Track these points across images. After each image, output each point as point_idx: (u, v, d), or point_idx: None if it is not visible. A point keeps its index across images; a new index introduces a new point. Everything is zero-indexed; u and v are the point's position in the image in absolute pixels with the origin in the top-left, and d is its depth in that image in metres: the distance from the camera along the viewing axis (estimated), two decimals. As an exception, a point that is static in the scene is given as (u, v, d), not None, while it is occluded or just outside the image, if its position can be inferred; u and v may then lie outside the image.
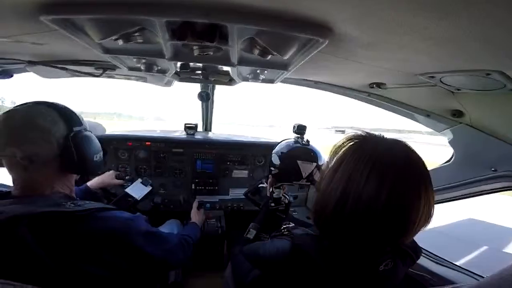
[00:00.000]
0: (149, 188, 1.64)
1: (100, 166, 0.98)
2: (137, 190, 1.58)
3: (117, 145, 1.92)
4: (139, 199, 1.55)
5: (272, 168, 1.45)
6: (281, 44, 0.70)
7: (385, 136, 0.72)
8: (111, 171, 1.63)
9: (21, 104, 0.84)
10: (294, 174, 1.38)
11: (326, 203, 0.69)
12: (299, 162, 1.36)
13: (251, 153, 2.10)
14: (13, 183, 0.83)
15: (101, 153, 0.97)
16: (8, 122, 0.80)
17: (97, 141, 0.96)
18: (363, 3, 0.50)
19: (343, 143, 0.73)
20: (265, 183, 1.63)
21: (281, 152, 1.44)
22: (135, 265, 0.90)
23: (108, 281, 0.83)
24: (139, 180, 1.65)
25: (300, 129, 1.41)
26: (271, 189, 1.49)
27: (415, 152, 0.69)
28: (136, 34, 0.70)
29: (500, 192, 1.27)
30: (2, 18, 0.70)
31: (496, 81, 0.80)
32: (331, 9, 0.54)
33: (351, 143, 0.72)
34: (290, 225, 1.31)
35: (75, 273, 0.76)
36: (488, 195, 1.33)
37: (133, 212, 1.59)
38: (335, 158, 0.72)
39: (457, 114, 1.15)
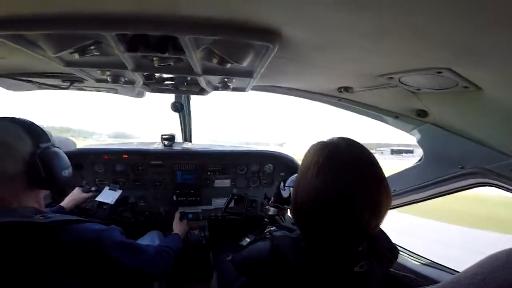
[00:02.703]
0: (119, 192, 1.63)
1: (69, 181, 0.97)
2: (108, 196, 1.58)
3: (94, 159, 1.89)
4: (112, 203, 1.55)
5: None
6: (237, 52, 0.72)
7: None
8: (76, 188, 1.61)
9: None
10: (287, 201, 1.50)
11: (294, 200, 0.80)
12: (291, 189, 1.46)
13: (232, 162, 2.09)
14: None
15: (70, 168, 0.96)
16: None
17: (65, 156, 0.95)
18: (302, 6, 0.52)
19: (308, 150, 0.82)
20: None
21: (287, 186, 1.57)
22: (110, 276, 0.89)
23: None
24: (107, 187, 1.65)
25: None
26: (267, 206, 1.57)
27: (358, 147, 0.77)
28: (91, 47, 0.70)
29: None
30: None
31: (448, 79, 0.83)
32: (274, 15, 0.56)
33: (310, 148, 0.81)
34: (272, 228, 1.36)
35: (50, 284, 0.77)
36: (458, 193, 1.38)
37: (114, 220, 1.57)
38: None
39: (422, 114, 1.18)
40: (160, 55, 0.68)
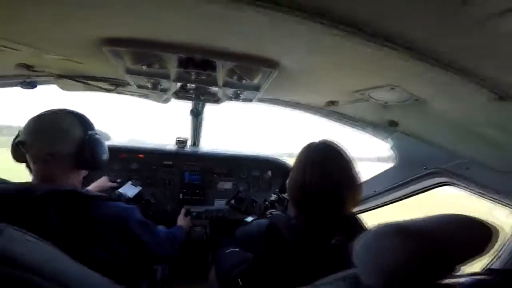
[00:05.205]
0: (139, 188, 1.84)
1: (105, 164, 1.14)
2: (129, 190, 1.77)
3: (111, 157, 2.07)
4: (131, 197, 1.74)
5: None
6: (250, 73, 1.05)
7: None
8: (104, 176, 1.82)
9: (46, 111, 1.01)
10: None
11: (287, 190, 1.09)
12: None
13: (236, 166, 2.31)
14: (34, 174, 1.00)
15: (107, 154, 1.13)
16: (38, 124, 0.98)
17: (105, 143, 1.12)
18: (294, 48, 0.83)
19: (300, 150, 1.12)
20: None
21: None
22: (132, 251, 1.02)
23: (108, 265, 0.92)
24: (130, 182, 1.86)
25: None
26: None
27: (337, 148, 1.06)
28: (156, 62, 1.01)
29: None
30: (65, 42, 0.94)
31: (402, 94, 1.04)
32: (275, 50, 0.87)
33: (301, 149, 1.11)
34: (273, 210, 1.67)
35: (81, 252, 0.84)
36: (426, 192, 1.62)
37: None
38: None
39: (393, 124, 1.43)
40: (201, 71, 0.99)
